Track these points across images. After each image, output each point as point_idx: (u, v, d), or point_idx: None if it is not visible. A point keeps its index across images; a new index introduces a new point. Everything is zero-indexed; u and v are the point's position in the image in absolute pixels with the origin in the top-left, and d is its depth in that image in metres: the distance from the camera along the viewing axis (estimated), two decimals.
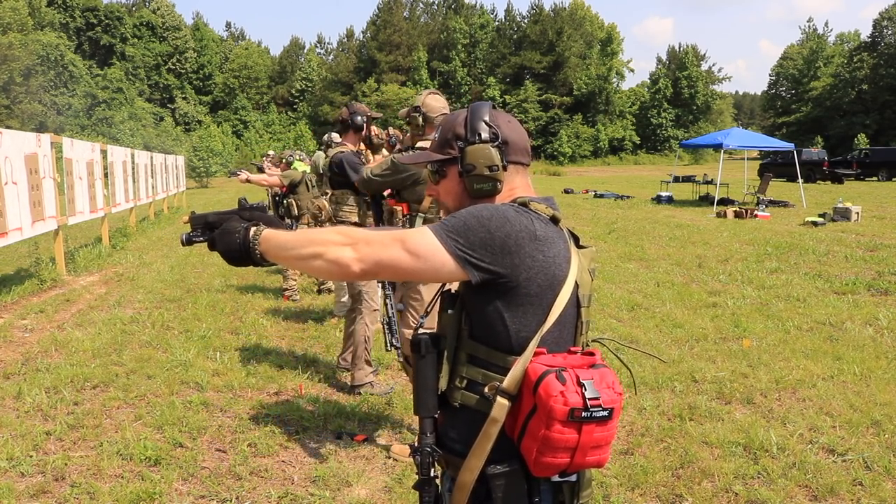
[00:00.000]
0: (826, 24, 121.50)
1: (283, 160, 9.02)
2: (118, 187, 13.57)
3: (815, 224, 13.58)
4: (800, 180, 20.98)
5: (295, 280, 7.46)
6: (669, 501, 3.14)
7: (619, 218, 15.85)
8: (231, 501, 3.17)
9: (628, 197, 22.27)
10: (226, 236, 1.44)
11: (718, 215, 15.88)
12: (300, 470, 3.48)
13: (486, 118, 1.47)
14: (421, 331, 1.44)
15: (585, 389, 1.24)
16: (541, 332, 1.33)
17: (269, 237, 1.42)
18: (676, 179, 25.08)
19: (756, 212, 15.75)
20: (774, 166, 30.63)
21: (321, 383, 4.75)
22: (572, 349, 1.38)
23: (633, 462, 3.47)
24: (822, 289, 7.57)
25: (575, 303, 1.40)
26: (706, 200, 19.71)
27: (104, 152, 12.87)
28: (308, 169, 7.74)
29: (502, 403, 1.30)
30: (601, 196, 23.04)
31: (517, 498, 1.33)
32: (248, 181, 7.50)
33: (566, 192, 27.12)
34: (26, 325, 6.46)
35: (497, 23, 72.34)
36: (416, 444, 1.42)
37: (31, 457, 3.59)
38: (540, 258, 1.34)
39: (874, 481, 3.24)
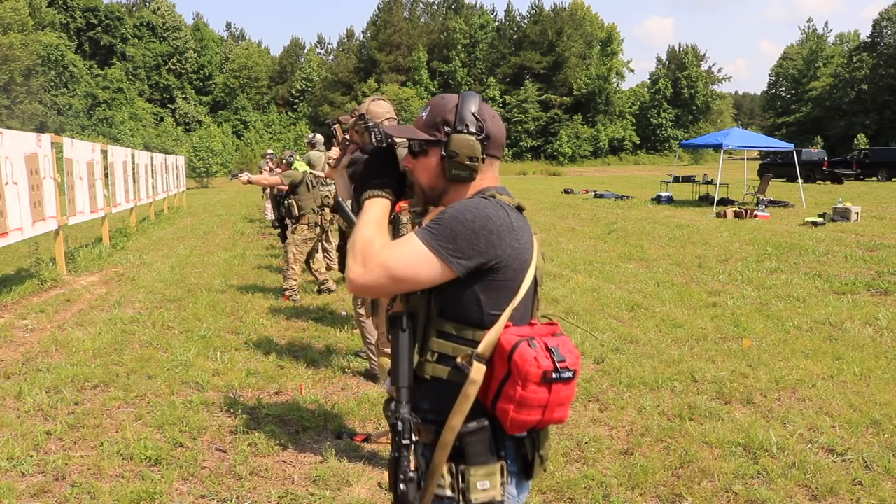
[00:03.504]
0: (826, 25, 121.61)
1: (284, 160, 9.03)
2: (118, 187, 13.58)
3: (814, 224, 13.58)
4: (799, 180, 20.99)
5: (295, 280, 7.47)
6: (669, 501, 3.14)
7: (619, 218, 15.85)
8: (231, 501, 3.18)
9: (628, 197, 22.26)
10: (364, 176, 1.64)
11: (718, 215, 15.89)
12: (300, 470, 3.48)
13: (475, 110, 1.55)
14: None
15: (554, 354, 1.40)
16: (510, 308, 1.47)
17: (367, 207, 1.57)
18: (676, 179, 25.06)
19: (756, 212, 15.76)
20: (774, 166, 30.65)
21: (321, 383, 4.75)
22: (532, 322, 1.53)
23: (633, 462, 3.48)
24: (822, 289, 7.57)
25: (534, 282, 1.55)
26: (706, 200, 19.71)
27: (104, 152, 12.88)
28: (308, 169, 7.74)
29: (479, 367, 1.43)
30: (601, 196, 23.03)
31: (486, 451, 1.47)
32: (249, 182, 7.50)
33: (566, 192, 27.11)
34: (27, 325, 6.46)
35: (497, 23, 72.34)
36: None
37: (31, 456, 3.60)
38: (516, 246, 1.49)
39: (874, 481, 3.24)
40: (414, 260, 1.44)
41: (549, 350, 1.40)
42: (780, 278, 8.21)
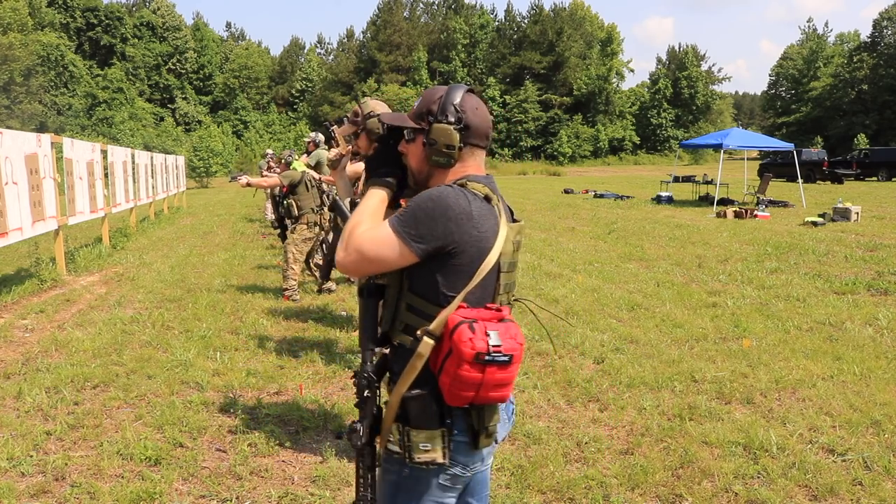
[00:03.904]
0: (826, 25, 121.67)
1: (283, 160, 9.02)
2: (118, 187, 13.58)
3: (814, 224, 13.58)
4: (800, 180, 20.99)
5: (295, 280, 7.46)
6: (669, 501, 3.14)
7: (619, 218, 15.85)
8: (231, 501, 3.18)
9: (628, 197, 22.25)
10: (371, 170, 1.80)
11: (718, 215, 15.88)
12: (300, 470, 3.48)
13: (457, 102, 1.67)
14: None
15: (490, 338, 1.48)
16: (464, 291, 1.59)
17: (367, 196, 1.73)
18: (676, 179, 25.05)
19: (756, 212, 15.76)
20: (774, 166, 30.65)
21: (321, 383, 4.75)
22: (489, 306, 1.62)
23: (633, 462, 3.48)
24: (822, 289, 7.57)
25: (497, 269, 1.64)
26: (706, 200, 19.71)
27: (104, 152, 12.87)
28: (307, 169, 7.74)
29: (427, 343, 1.56)
30: (601, 196, 23.02)
31: (427, 416, 1.59)
32: (248, 185, 7.48)
33: (566, 192, 27.09)
34: (26, 325, 6.46)
35: (497, 23, 72.31)
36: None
37: (31, 457, 3.60)
38: (474, 234, 1.59)
39: (874, 481, 3.24)
40: (382, 243, 1.60)
41: (487, 334, 1.49)
42: (780, 278, 8.20)
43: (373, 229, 1.63)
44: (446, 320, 1.54)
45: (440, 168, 1.70)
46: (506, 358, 1.49)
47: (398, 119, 1.77)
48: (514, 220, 1.72)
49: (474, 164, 1.72)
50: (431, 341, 1.56)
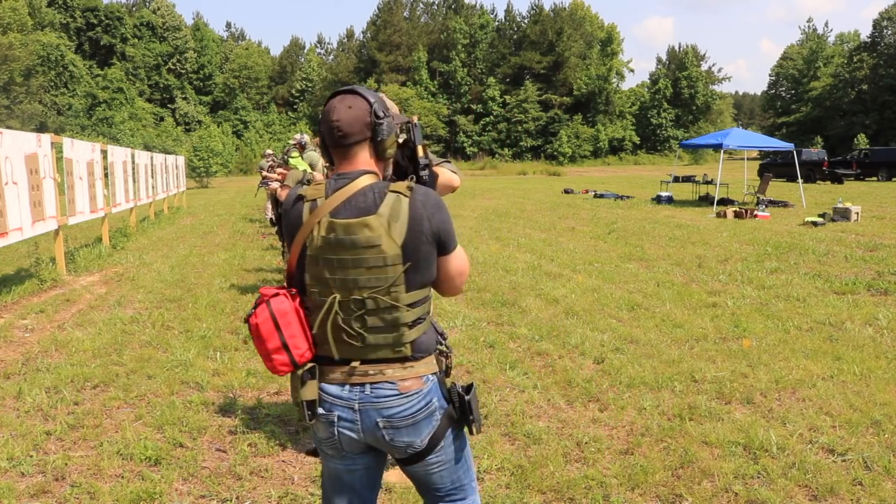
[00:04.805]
0: (826, 25, 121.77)
1: (281, 157, 9.01)
2: (118, 187, 13.58)
3: (814, 224, 13.58)
4: (800, 180, 20.98)
5: None
6: (669, 501, 3.14)
7: (619, 218, 15.85)
8: (231, 501, 3.18)
9: (628, 197, 22.24)
10: None
11: (718, 215, 15.88)
12: (300, 470, 3.48)
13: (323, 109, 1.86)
14: None
15: (252, 310, 1.79)
16: (287, 276, 1.86)
17: None
18: (676, 179, 25.02)
19: (756, 212, 15.75)
20: (774, 166, 30.63)
21: None
22: (290, 291, 1.82)
23: (633, 462, 3.48)
24: (822, 289, 7.57)
25: (302, 259, 1.81)
26: (706, 200, 19.70)
27: (104, 152, 12.88)
28: (308, 168, 7.73)
29: None
30: (601, 196, 23.01)
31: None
32: (273, 191, 7.67)
33: (566, 192, 27.08)
34: (26, 325, 6.46)
35: (497, 23, 72.24)
36: None
37: (31, 457, 3.60)
38: (287, 228, 1.85)
39: (874, 481, 3.24)
40: None
41: (255, 306, 1.78)
42: (780, 278, 8.20)
43: None
44: None
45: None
46: (247, 325, 1.80)
47: None
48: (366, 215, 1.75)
49: (342, 163, 1.85)
50: None
